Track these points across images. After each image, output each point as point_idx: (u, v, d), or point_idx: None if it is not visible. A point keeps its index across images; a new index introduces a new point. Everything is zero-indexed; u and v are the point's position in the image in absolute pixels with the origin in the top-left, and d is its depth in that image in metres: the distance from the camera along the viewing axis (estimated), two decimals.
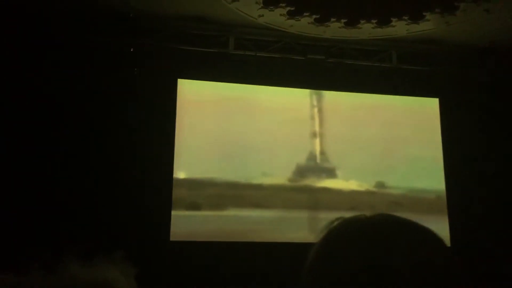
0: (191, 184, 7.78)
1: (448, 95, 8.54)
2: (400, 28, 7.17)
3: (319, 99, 8.38)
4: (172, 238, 7.24)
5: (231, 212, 7.75)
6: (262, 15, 7.00)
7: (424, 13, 6.80)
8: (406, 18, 6.92)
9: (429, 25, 7.05)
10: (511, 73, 8.13)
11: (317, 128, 8.25)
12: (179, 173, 7.63)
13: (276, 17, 7.03)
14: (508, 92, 8.27)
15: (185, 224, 7.45)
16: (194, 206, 7.69)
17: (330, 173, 8.24)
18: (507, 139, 8.23)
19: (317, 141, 8.24)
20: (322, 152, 8.22)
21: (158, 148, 7.51)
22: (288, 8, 6.83)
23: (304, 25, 7.16)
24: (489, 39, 7.65)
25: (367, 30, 7.23)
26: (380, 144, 8.27)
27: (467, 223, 7.98)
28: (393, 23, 7.05)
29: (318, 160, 8.20)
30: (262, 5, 6.75)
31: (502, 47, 7.77)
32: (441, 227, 8.06)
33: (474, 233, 7.87)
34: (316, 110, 8.34)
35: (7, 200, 6.52)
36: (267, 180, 8.01)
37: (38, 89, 7.07)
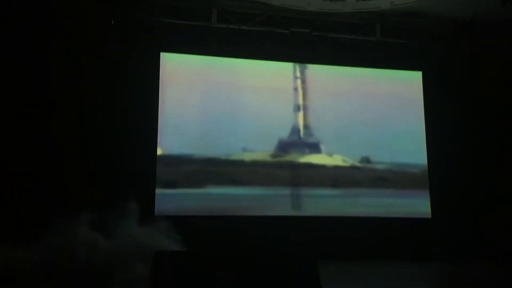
0: (169, 160, 7.61)
1: (431, 68, 8.59)
2: (384, 0, 7.14)
3: (303, 71, 8.33)
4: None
5: (208, 190, 7.65)
6: None
7: None
8: None
9: None
10: (492, 46, 8.17)
11: (300, 101, 8.21)
12: (159, 150, 7.56)
13: None
14: (490, 65, 8.33)
15: (162, 202, 7.34)
16: (171, 183, 7.55)
17: (314, 148, 8.19)
18: (489, 112, 8.32)
19: (301, 114, 8.19)
20: (306, 126, 8.17)
21: (142, 123, 7.45)
22: None
23: None
24: (471, 12, 7.65)
25: (351, 3, 7.21)
26: (365, 118, 8.28)
27: (448, 196, 8.11)
28: None
29: (301, 135, 8.15)
30: None
31: (483, 20, 7.79)
32: (423, 202, 8.21)
33: (455, 206, 8.01)
34: (299, 82, 8.28)
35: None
36: (247, 156, 7.92)
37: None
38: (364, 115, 8.30)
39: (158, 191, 7.38)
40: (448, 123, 8.36)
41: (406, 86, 8.62)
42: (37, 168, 6.83)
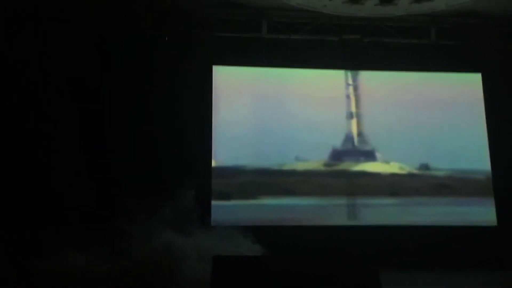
0: (223, 172, 7.65)
1: (491, 69, 8.22)
2: (438, 2, 6.93)
3: (355, 78, 8.22)
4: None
5: (262, 201, 7.62)
6: None
7: None
8: None
9: None
10: None
11: (353, 109, 8.09)
12: (213, 161, 7.63)
13: None
14: None
15: (218, 214, 7.34)
16: (225, 195, 7.57)
17: (369, 155, 8.01)
18: None
19: (354, 122, 8.06)
20: (360, 134, 8.04)
21: (197, 136, 7.57)
22: None
23: (338, 4, 7.02)
24: None
25: (403, 5, 7.02)
26: (421, 123, 8.05)
27: None
28: None
29: (355, 143, 8.02)
30: None
31: None
32: (488, 210, 7.83)
33: None
34: (351, 89, 8.18)
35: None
36: (300, 166, 7.84)
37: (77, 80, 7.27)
38: (421, 120, 8.07)
39: (213, 202, 7.44)
40: (511, 126, 7.97)
41: (465, 89, 8.30)
42: (96, 182, 7.03)
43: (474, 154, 8.10)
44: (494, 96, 8.16)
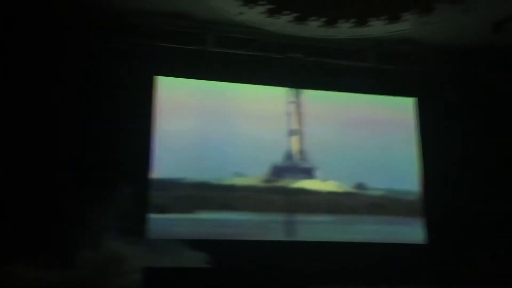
0: (160, 185, 7.51)
1: (425, 95, 8.66)
2: (378, 28, 7.21)
3: (297, 96, 8.36)
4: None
5: (199, 215, 7.54)
6: (242, 13, 6.96)
7: (401, 13, 6.86)
8: (384, 18, 6.97)
9: (406, 25, 7.11)
10: (486, 73, 8.29)
11: (295, 126, 8.21)
12: (152, 173, 7.47)
13: (256, 15, 7.00)
14: (484, 92, 8.42)
15: (153, 227, 7.21)
16: (162, 208, 7.42)
17: (308, 173, 8.15)
18: (483, 140, 8.35)
19: (295, 139, 8.18)
20: (300, 151, 8.16)
21: (137, 147, 7.41)
22: (268, 6, 6.82)
23: (284, 23, 7.15)
24: (464, 40, 7.78)
25: (345, 29, 7.26)
26: (359, 144, 8.29)
27: (443, 224, 8.07)
28: (371, 23, 7.09)
29: (295, 160, 8.12)
30: (241, 2, 6.73)
31: (477, 48, 7.92)
32: (417, 229, 8.16)
33: (449, 234, 7.96)
34: (294, 106, 8.30)
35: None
36: (239, 181, 7.81)
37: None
38: (359, 140, 8.31)
39: (150, 215, 7.29)
40: (440, 150, 8.38)
41: (400, 112, 8.68)
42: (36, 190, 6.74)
43: (407, 175, 8.44)
44: (426, 120, 8.57)
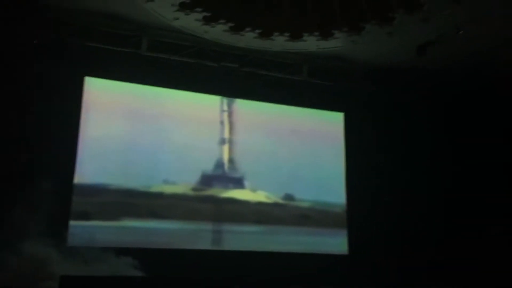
0: (84, 190, 7.18)
1: (352, 110, 9.00)
2: (311, 43, 7.44)
3: (230, 105, 8.39)
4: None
5: (124, 223, 7.28)
6: (178, 18, 6.93)
7: (333, 31, 7.12)
8: (316, 34, 7.20)
9: (337, 42, 7.40)
10: (409, 92, 8.77)
11: (226, 135, 8.21)
12: (76, 178, 7.14)
13: (192, 22, 7.00)
14: (407, 109, 8.89)
15: (75, 233, 6.90)
16: (84, 215, 7.10)
17: (238, 183, 8.15)
18: (407, 155, 8.79)
19: (226, 148, 8.18)
20: (231, 160, 8.16)
21: (61, 150, 7.08)
22: (204, 14, 6.83)
23: (219, 32, 7.20)
24: (390, 60, 8.19)
25: (280, 42, 7.43)
26: (289, 155, 8.42)
27: (365, 236, 8.38)
28: (304, 38, 7.30)
29: (225, 169, 8.10)
30: (178, 7, 6.68)
31: (400, 68, 8.36)
32: (342, 240, 8.40)
33: (371, 245, 8.28)
34: (226, 115, 8.32)
35: None
36: (168, 189, 7.66)
37: None
38: (289, 152, 8.45)
39: (71, 222, 6.96)
40: (366, 164, 8.72)
41: (329, 126, 8.95)
42: None
43: (334, 188, 8.69)
44: (353, 135, 8.90)
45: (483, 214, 8.28)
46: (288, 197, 8.34)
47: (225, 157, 8.14)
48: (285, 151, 8.42)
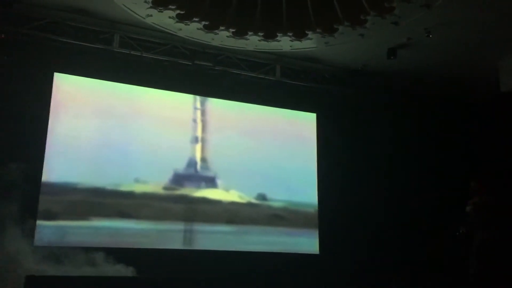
0: (51, 189, 6.96)
1: (324, 111, 9.08)
2: (284, 43, 7.47)
3: (203, 103, 8.33)
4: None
5: (92, 223, 7.12)
6: (151, 15, 6.85)
7: (307, 32, 7.17)
8: (290, 34, 7.23)
9: (310, 43, 7.45)
10: (380, 93, 8.92)
11: (199, 133, 8.15)
12: (43, 177, 6.93)
13: (165, 19, 6.93)
14: (379, 111, 9.03)
15: (42, 233, 6.69)
16: (49, 215, 6.88)
17: (210, 182, 8.08)
18: (377, 157, 8.92)
19: (198, 146, 8.11)
20: (203, 159, 8.10)
21: (29, 147, 6.89)
22: (178, 11, 6.78)
23: (193, 30, 7.16)
24: (362, 62, 8.31)
25: (254, 42, 7.43)
26: (262, 155, 8.40)
27: (336, 235, 8.45)
28: (278, 38, 7.33)
29: (198, 168, 8.02)
30: (151, 4, 6.61)
31: (372, 69, 8.50)
32: (313, 240, 8.45)
33: (341, 244, 8.37)
34: (199, 113, 8.26)
35: None
36: (139, 188, 7.50)
37: None
38: (262, 152, 8.43)
39: (38, 221, 6.76)
40: (337, 164, 8.80)
41: (301, 126, 8.99)
42: None
43: (306, 188, 8.71)
44: (325, 135, 8.98)
45: (449, 213, 8.49)
46: (261, 196, 8.32)
47: (198, 156, 8.07)
48: (258, 151, 8.40)
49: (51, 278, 5.23)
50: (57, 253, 6.32)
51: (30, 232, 6.54)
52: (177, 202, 7.76)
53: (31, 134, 6.97)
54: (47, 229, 6.82)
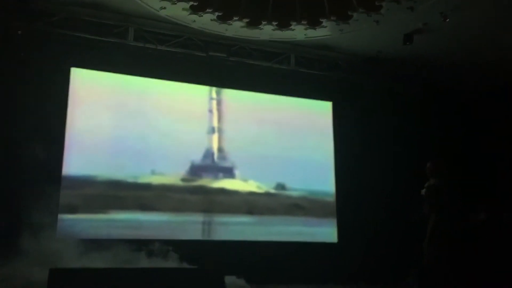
0: (71, 183, 7.02)
1: (340, 99, 9.03)
2: (298, 32, 7.42)
3: (219, 94, 8.34)
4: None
5: (111, 216, 7.17)
6: (164, 8, 6.85)
7: (321, 20, 7.11)
8: (304, 23, 7.18)
9: (325, 31, 7.38)
10: (395, 81, 8.81)
11: (215, 124, 8.16)
12: (63, 170, 7.00)
13: (179, 11, 6.92)
14: (394, 97, 8.95)
15: (63, 227, 6.78)
16: (72, 208, 6.94)
17: (228, 172, 8.07)
18: (395, 144, 8.85)
19: (215, 137, 8.12)
20: (220, 150, 8.11)
21: (48, 142, 6.96)
22: (191, 3, 6.77)
23: (207, 21, 7.14)
24: (377, 49, 8.20)
25: (268, 31, 7.39)
26: (279, 144, 8.36)
27: (352, 224, 8.43)
28: (292, 27, 7.28)
29: (215, 158, 8.02)
30: None
31: (388, 56, 8.39)
32: (331, 229, 8.43)
33: (359, 233, 8.35)
34: (215, 104, 8.26)
35: None
36: (156, 180, 7.53)
37: None
38: (279, 141, 8.39)
39: (60, 215, 6.85)
40: (354, 152, 8.76)
41: (317, 115, 8.95)
42: None
43: (324, 176, 8.67)
44: (341, 123, 8.93)
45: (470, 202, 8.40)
46: (280, 186, 8.28)
47: (215, 146, 8.08)
48: (275, 140, 8.37)
49: (75, 270, 5.30)
50: (77, 246, 6.42)
51: (52, 226, 6.68)
52: (195, 193, 7.78)
53: (50, 129, 7.05)
54: (68, 223, 6.91)
